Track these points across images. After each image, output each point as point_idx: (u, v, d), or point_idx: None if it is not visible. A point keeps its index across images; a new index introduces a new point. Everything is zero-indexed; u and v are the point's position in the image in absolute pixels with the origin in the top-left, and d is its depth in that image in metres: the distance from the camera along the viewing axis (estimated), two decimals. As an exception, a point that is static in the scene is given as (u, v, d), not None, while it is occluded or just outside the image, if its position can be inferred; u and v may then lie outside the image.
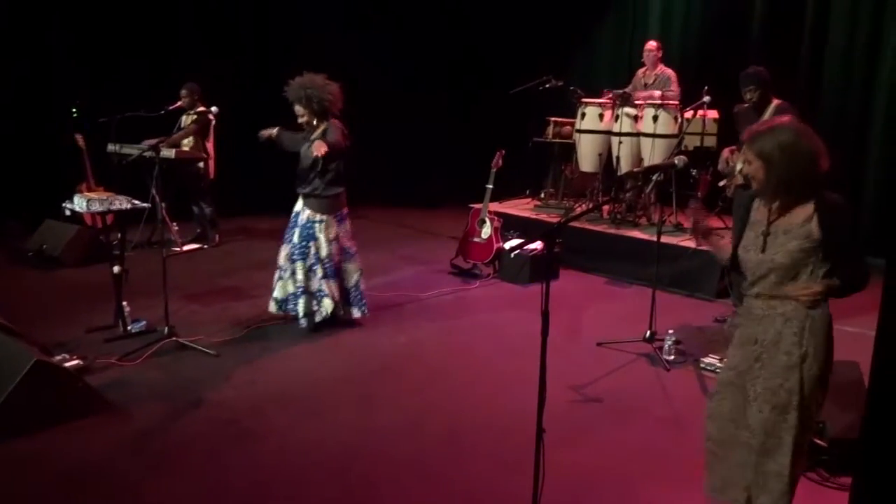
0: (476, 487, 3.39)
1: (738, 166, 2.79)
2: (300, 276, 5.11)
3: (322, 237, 5.12)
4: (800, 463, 2.72)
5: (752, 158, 2.65)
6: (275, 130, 5.27)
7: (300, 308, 5.14)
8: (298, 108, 5.09)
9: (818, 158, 2.61)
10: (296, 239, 5.13)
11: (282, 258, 5.22)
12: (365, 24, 10.06)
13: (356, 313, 5.36)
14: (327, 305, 5.17)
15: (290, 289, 5.16)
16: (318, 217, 5.12)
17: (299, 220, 5.16)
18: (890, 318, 2.13)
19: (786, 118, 2.78)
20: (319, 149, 4.84)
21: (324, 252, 5.13)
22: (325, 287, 5.15)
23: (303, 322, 5.18)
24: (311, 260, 5.12)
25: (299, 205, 5.21)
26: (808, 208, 2.62)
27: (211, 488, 3.36)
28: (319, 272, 5.13)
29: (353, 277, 5.33)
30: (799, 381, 2.62)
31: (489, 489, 3.37)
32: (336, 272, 5.20)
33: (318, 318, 5.20)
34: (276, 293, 5.22)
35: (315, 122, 5.12)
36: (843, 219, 2.62)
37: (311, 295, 5.16)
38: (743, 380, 2.75)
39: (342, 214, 5.24)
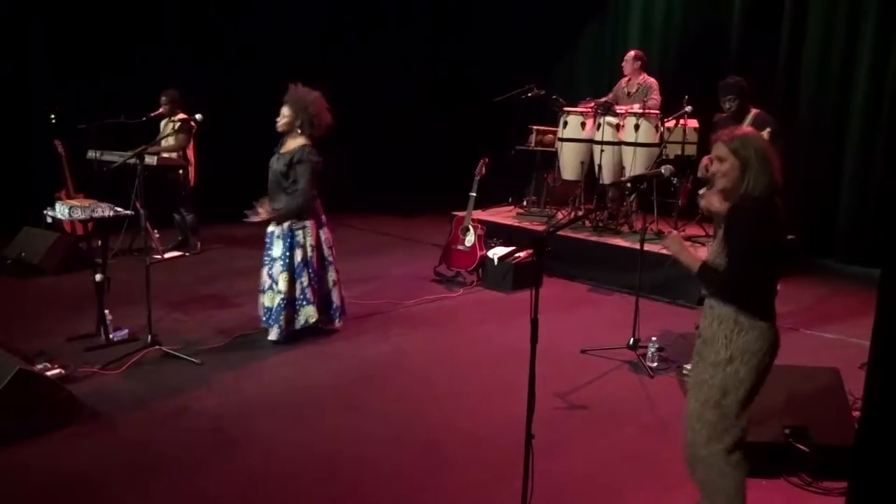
0: (463, 496, 3.40)
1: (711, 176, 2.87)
2: (283, 286, 5.04)
3: (306, 242, 5.09)
4: (727, 462, 2.79)
5: (726, 156, 2.72)
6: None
7: (281, 319, 5.06)
8: (287, 112, 5.08)
9: (778, 172, 2.72)
10: (277, 252, 5.06)
11: (264, 276, 5.16)
12: (347, 33, 10.07)
13: (337, 323, 5.35)
14: (309, 312, 5.14)
15: (277, 300, 5.08)
16: (298, 224, 5.09)
17: (278, 231, 5.08)
18: (885, 325, 2.16)
19: (765, 135, 2.90)
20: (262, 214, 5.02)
21: (309, 255, 5.11)
22: (309, 294, 5.13)
23: (274, 335, 5.10)
24: (296, 267, 5.08)
25: (273, 224, 5.12)
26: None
27: (195, 498, 3.34)
28: (305, 279, 5.11)
29: (330, 286, 5.30)
30: (721, 380, 2.74)
31: (476, 498, 3.38)
32: (318, 280, 5.19)
33: (296, 326, 5.15)
34: (265, 300, 5.16)
35: (292, 132, 5.11)
36: (738, 224, 2.69)
37: (293, 304, 5.11)
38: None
39: (322, 221, 5.23)
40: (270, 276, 5.10)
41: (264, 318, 5.16)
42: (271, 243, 5.11)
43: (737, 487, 2.83)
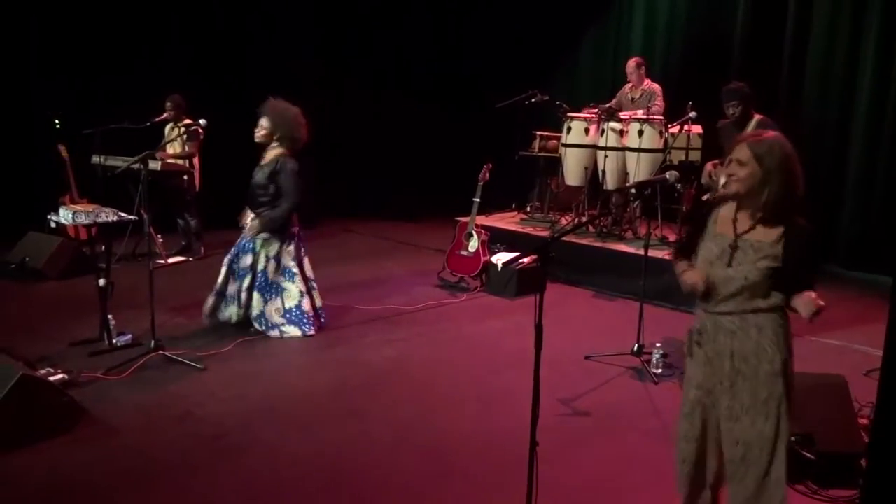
0: (466, 502, 3.39)
1: (722, 180, 2.71)
2: (220, 279, 5.30)
3: (262, 253, 5.26)
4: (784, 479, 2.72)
5: (747, 160, 2.58)
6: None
7: (304, 317, 5.30)
8: (266, 124, 5.24)
9: (801, 182, 2.62)
10: (237, 244, 5.31)
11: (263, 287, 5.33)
12: (350, 36, 10.09)
13: (295, 331, 5.35)
14: (232, 311, 5.32)
15: (295, 300, 5.33)
16: (261, 235, 5.24)
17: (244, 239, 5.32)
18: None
19: (780, 135, 2.77)
20: (250, 231, 5.22)
21: (259, 266, 5.26)
22: (243, 296, 5.27)
23: (206, 319, 5.36)
24: (242, 269, 5.26)
25: (249, 219, 5.33)
26: (778, 228, 2.61)
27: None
28: (246, 282, 5.25)
29: (295, 299, 5.34)
30: (784, 387, 2.63)
31: None
32: (266, 288, 5.29)
33: (220, 318, 5.36)
34: (253, 311, 5.33)
35: (271, 144, 5.26)
36: (807, 247, 2.62)
37: (223, 297, 5.32)
38: (712, 397, 2.73)
39: (289, 234, 5.33)
40: (270, 283, 5.28)
41: (273, 324, 5.28)
42: (241, 253, 5.31)
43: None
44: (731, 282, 2.64)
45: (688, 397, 2.84)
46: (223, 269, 5.35)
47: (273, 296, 5.31)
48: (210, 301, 5.35)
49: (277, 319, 5.32)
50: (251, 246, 5.27)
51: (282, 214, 5.22)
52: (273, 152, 5.26)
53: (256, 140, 5.29)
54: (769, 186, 2.56)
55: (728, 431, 2.70)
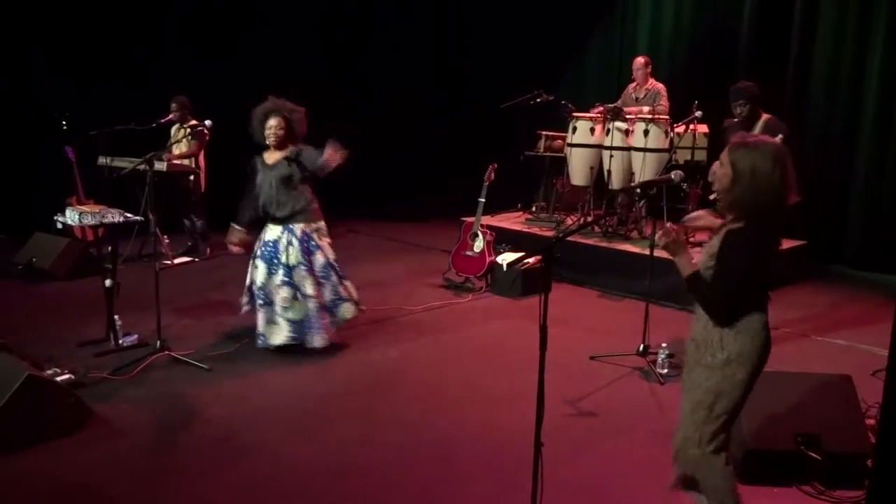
0: (471, 503, 3.38)
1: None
2: (311, 290, 4.95)
3: (324, 243, 5.10)
4: (711, 468, 2.80)
5: (725, 163, 2.71)
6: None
7: (320, 325, 5.02)
8: (277, 122, 4.98)
9: (782, 195, 2.63)
10: (293, 260, 4.94)
11: (280, 290, 4.96)
12: (356, 36, 10.10)
13: (351, 308, 5.28)
14: (347, 310, 5.16)
15: (311, 307, 5.00)
16: (312, 226, 5.06)
17: (291, 239, 4.98)
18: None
19: (778, 141, 2.83)
20: (337, 156, 4.88)
21: (331, 256, 5.11)
22: (341, 291, 5.14)
23: (318, 341, 5.00)
24: (319, 270, 5.03)
25: (276, 230, 5.01)
26: (725, 230, 2.71)
27: (205, 504, 3.34)
28: (333, 277, 5.09)
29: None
30: (717, 383, 2.72)
31: (485, 504, 3.37)
32: (343, 275, 5.17)
33: (334, 327, 5.15)
34: (292, 315, 4.97)
35: (284, 142, 5.05)
36: (733, 250, 2.65)
37: (325, 307, 5.05)
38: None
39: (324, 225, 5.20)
40: (291, 285, 4.94)
41: (298, 330, 5.03)
42: (275, 253, 4.98)
43: (733, 488, 2.83)
44: (688, 267, 2.78)
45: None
46: (307, 280, 4.97)
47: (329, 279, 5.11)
48: (317, 320, 5.04)
49: (341, 292, 5.15)
50: (310, 243, 4.99)
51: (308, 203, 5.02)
52: (278, 153, 5.09)
53: (272, 143, 5.03)
54: (735, 189, 2.66)
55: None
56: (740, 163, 2.64)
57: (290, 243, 4.98)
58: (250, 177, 5.16)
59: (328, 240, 5.16)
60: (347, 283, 5.22)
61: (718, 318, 2.71)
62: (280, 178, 5.00)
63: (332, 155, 4.87)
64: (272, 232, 5.04)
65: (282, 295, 4.94)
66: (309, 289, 4.96)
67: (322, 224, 5.14)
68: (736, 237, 2.65)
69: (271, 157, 5.10)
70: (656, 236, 2.87)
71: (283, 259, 4.96)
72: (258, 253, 5.08)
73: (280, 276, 4.94)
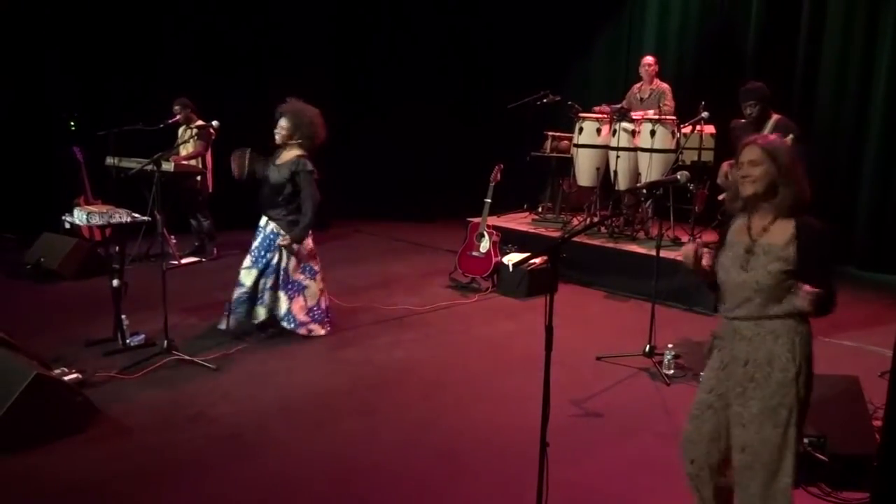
0: (478, 503, 3.38)
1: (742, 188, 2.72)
2: (248, 282, 5.21)
3: (283, 253, 5.24)
4: (796, 476, 2.70)
5: (760, 159, 2.59)
6: (247, 160, 5.37)
7: (241, 312, 5.27)
8: (285, 124, 5.22)
9: (808, 186, 2.63)
10: (255, 246, 5.27)
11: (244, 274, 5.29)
12: (362, 38, 10.12)
13: (320, 330, 5.41)
14: (260, 313, 5.28)
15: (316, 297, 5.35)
16: (282, 232, 5.23)
17: (264, 231, 5.28)
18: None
19: (788, 141, 2.82)
20: (287, 245, 5.18)
21: (282, 263, 5.25)
22: (266, 296, 5.25)
23: (223, 324, 5.30)
24: (266, 268, 5.22)
25: (264, 220, 5.32)
26: (788, 230, 2.59)
27: (211, 503, 3.34)
28: (270, 282, 5.24)
29: (315, 297, 5.37)
30: (796, 396, 2.59)
31: (491, 504, 3.37)
32: (288, 286, 5.28)
33: (254, 321, 5.32)
34: (280, 310, 5.29)
35: (290, 144, 5.23)
36: (821, 245, 2.57)
37: (253, 300, 5.26)
38: (724, 401, 2.71)
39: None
40: (292, 281, 5.24)
41: (301, 322, 5.31)
42: (265, 252, 5.27)
43: None
44: (744, 286, 2.63)
45: (699, 399, 2.83)
46: (253, 274, 5.24)
47: (296, 294, 5.29)
48: (238, 306, 5.30)
49: (303, 318, 5.32)
50: (274, 246, 5.23)
51: (310, 220, 5.20)
52: (291, 153, 5.23)
53: (277, 141, 5.25)
54: (785, 184, 2.58)
55: (736, 438, 2.68)
56: (782, 157, 2.59)
57: (261, 233, 5.31)
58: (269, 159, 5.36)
59: (294, 255, 5.27)
60: (279, 294, 5.29)
61: (829, 311, 2.58)
62: (276, 182, 5.21)
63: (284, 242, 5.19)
64: (262, 219, 5.35)
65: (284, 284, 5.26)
66: (248, 280, 5.26)
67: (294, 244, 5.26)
68: (812, 226, 2.57)
69: (282, 157, 5.28)
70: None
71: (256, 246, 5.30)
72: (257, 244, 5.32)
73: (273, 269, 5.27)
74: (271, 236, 5.25)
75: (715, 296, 2.85)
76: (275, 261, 5.24)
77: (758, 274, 2.58)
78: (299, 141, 5.24)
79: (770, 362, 2.59)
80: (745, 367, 2.64)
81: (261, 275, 5.23)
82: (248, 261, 5.28)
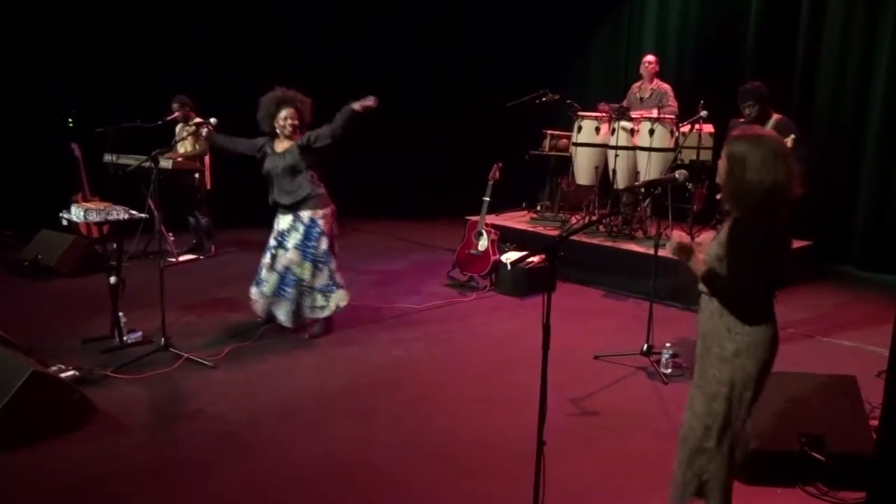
0: (474, 502, 3.38)
1: None
2: (307, 275, 5.14)
3: (327, 229, 5.18)
4: (720, 459, 2.78)
5: (722, 156, 2.74)
6: (205, 131, 5.38)
7: (306, 308, 5.22)
8: (290, 112, 5.13)
9: (775, 187, 2.59)
10: (294, 243, 5.12)
11: (281, 266, 5.17)
12: (360, 37, 10.10)
13: (343, 296, 5.37)
14: (341, 297, 5.24)
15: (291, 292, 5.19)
16: (319, 212, 5.15)
17: (298, 225, 5.13)
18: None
19: (776, 135, 2.82)
20: (369, 101, 5.03)
21: (332, 244, 5.21)
22: (337, 278, 5.23)
23: (282, 314, 5.21)
24: (320, 256, 5.16)
25: (287, 219, 5.17)
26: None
27: (208, 502, 3.34)
28: (332, 263, 5.20)
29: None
30: (729, 374, 2.69)
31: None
32: (318, 259, 5.23)
33: (326, 313, 5.26)
34: (288, 304, 5.20)
35: (287, 134, 5.17)
36: (744, 238, 2.61)
37: (314, 290, 5.19)
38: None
39: (333, 210, 5.28)
40: (292, 263, 5.15)
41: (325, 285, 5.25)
42: (283, 237, 5.17)
43: (729, 485, 2.83)
44: (704, 264, 2.75)
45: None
46: (307, 268, 5.15)
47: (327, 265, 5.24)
48: (260, 302, 5.28)
49: (336, 279, 5.26)
50: (315, 230, 5.12)
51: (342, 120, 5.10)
52: (288, 141, 5.18)
53: (288, 134, 5.15)
54: (728, 178, 2.68)
55: (688, 404, 2.88)
56: (734, 153, 2.66)
57: (295, 229, 5.15)
58: (254, 142, 5.29)
59: (331, 225, 5.22)
60: (339, 275, 5.29)
61: (740, 311, 2.65)
62: (287, 166, 5.12)
63: (363, 104, 5.03)
64: (283, 221, 5.21)
65: (288, 257, 5.15)
66: (305, 274, 5.14)
67: (328, 210, 5.21)
68: (742, 225, 2.63)
69: (280, 145, 5.21)
70: (667, 246, 2.84)
71: (285, 240, 5.18)
72: (272, 244, 5.23)
73: (287, 252, 5.16)
74: (311, 225, 5.12)
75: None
76: (323, 246, 5.15)
77: (709, 254, 2.74)
78: (303, 127, 5.22)
79: (712, 335, 2.74)
80: (701, 339, 2.82)
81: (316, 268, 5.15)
82: (295, 255, 5.12)
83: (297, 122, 5.15)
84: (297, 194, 5.12)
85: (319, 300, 5.22)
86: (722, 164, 2.72)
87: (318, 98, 5.41)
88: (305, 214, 5.14)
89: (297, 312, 5.23)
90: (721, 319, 2.71)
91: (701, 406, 2.78)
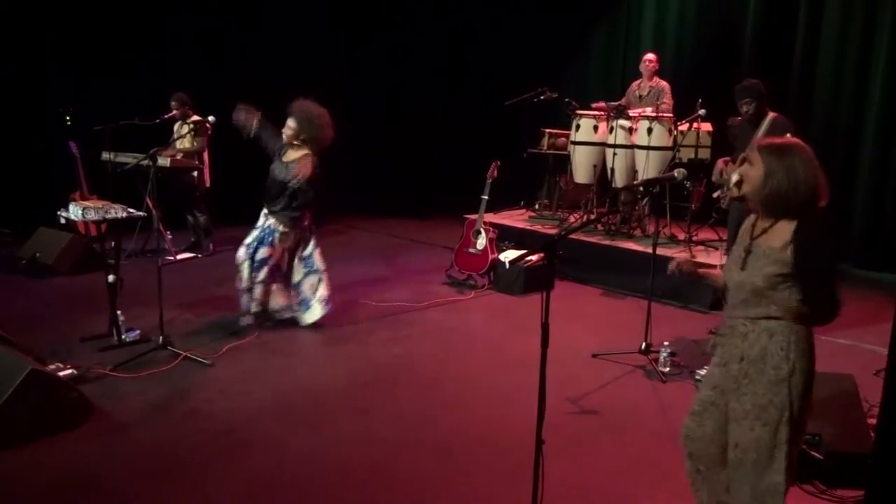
0: (473, 500, 3.38)
1: (734, 178, 2.70)
2: (245, 273, 5.26)
3: (278, 245, 5.26)
4: (791, 476, 2.67)
5: (757, 162, 2.59)
6: (256, 120, 5.37)
7: (242, 304, 5.35)
8: (293, 124, 5.23)
9: (816, 192, 2.57)
10: (251, 240, 5.28)
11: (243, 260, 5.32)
12: (358, 35, 10.10)
13: (319, 311, 5.44)
14: (246, 306, 5.34)
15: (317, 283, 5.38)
16: (280, 227, 5.25)
17: (262, 225, 5.31)
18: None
19: (800, 141, 2.73)
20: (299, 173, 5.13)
21: (277, 258, 5.29)
22: (257, 290, 5.29)
23: (243, 320, 5.36)
24: (258, 262, 5.24)
25: (263, 218, 5.34)
26: (788, 232, 2.55)
27: (205, 500, 3.34)
28: (262, 275, 5.27)
29: (317, 287, 5.42)
30: (788, 395, 2.56)
31: (486, 502, 3.36)
32: (280, 277, 5.35)
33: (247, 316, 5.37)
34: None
35: (296, 144, 5.25)
36: (818, 247, 2.51)
37: (250, 293, 5.31)
38: (725, 398, 2.71)
39: (305, 227, 5.36)
40: (246, 258, 5.27)
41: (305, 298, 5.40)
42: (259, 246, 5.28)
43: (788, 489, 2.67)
44: (741, 286, 2.62)
45: (699, 396, 2.84)
46: (247, 266, 5.29)
47: (310, 273, 5.38)
48: (244, 300, 5.36)
49: (309, 295, 5.37)
50: (269, 240, 5.26)
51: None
52: (298, 152, 5.25)
53: (284, 140, 5.28)
54: (769, 186, 2.55)
55: (731, 433, 2.69)
56: (773, 160, 2.56)
57: (259, 227, 5.34)
58: (277, 144, 5.37)
59: (290, 243, 5.29)
60: (275, 288, 5.37)
61: (832, 316, 2.52)
62: (282, 178, 5.22)
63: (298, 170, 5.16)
64: (263, 218, 5.36)
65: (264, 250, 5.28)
66: (245, 271, 5.29)
67: (292, 233, 5.27)
68: (812, 224, 2.51)
69: (289, 154, 5.31)
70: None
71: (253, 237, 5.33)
72: (253, 234, 5.34)
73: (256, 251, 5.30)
74: (269, 231, 5.27)
75: (722, 293, 2.84)
76: (267, 256, 5.25)
77: (753, 275, 2.58)
78: (305, 141, 5.25)
79: (763, 359, 2.58)
80: (740, 363, 2.64)
81: (252, 267, 5.27)
82: (249, 253, 5.29)
83: (292, 133, 5.24)
84: (275, 205, 5.28)
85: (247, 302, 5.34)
86: (756, 171, 2.58)
87: (319, 98, 5.41)
88: (272, 219, 5.29)
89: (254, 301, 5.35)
90: (771, 340, 2.56)
91: (756, 439, 2.59)
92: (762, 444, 2.59)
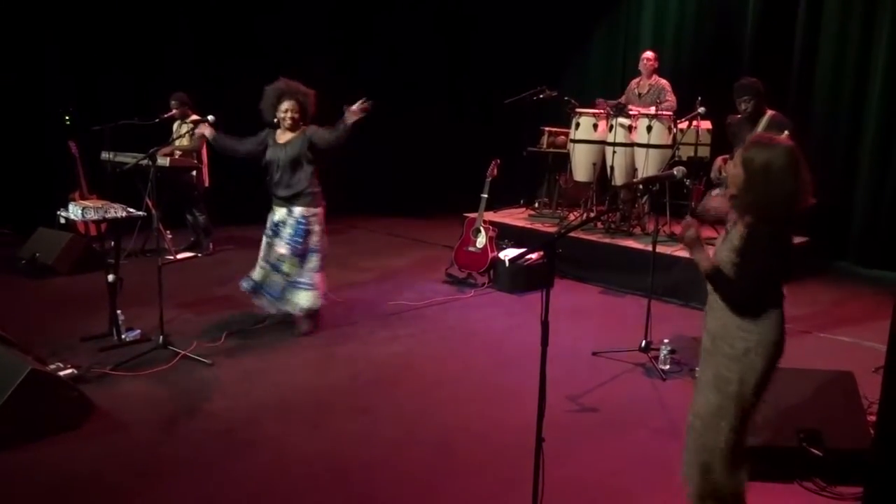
0: (473, 499, 3.39)
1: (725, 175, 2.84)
2: (293, 270, 5.19)
3: (317, 229, 5.21)
4: (738, 457, 2.78)
5: (738, 163, 2.70)
6: (208, 131, 5.32)
7: (295, 301, 5.23)
8: (291, 105, 5.14)
9: (796, 196, 2.62)
10: (287, 234, 5.17)
11: (273, 255, 5.22)
12: (357, 33, 10.09)
13: (317, 297, 5.37)
14: (305, 298, 5.23)
15: (278, 282, 5.23)
16: (311, 210, 5.19)
17: (289, 220, 5.18)
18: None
19: (789, 141, 2.77)
20: (360, 111, 5.07)
21: (319, 244, 5.24)
22: (312, 278, 5.23)
23: (268, 305, 5.27)
24: (303, 253, 5.19)
25: (281, 212, 5.22)
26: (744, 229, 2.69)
27: (206, 500, 3.34)
28: (312, 262, 5.22)
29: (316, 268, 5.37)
30: (740, 371, 2.69)
31: (487, 501, 3.37)
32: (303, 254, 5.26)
33: (297, 311, 5.25)
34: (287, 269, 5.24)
35: (289, 125, 5.19)
36: (758, 249, 2.63)
37: (293, 287, 5.22)
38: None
39: (324, 210, 5.32)
40: (281, 255, 5.19)
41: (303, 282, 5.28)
42: (277, 230, 5.21)
43: (743, 487, 2.83)
44: (706, 262, 2.77)
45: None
46: (291, 261, 5.20)
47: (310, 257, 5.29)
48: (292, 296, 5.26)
49: (307, 279, 5.27)
50: (306, 227, 5.16)
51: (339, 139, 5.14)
52: (290, 133, 5.19)
53: (288, 126, 5.17)
54: (749, 189, 2.65)
55: (693, 403, 2.88)
56: (754, 162, 2.62)
57: (286, 223, 5.19)
58: (258, 137, 5.30)
59: (321, 227, 5.25)
60: (317, 276, 5.29)
61: (740, 312, 2.69)
62: (290, 158, 5.14)
63: (352, 111, 5.05)
64: (278, 213, 5.25)
65: (279, 251, 5.20)
66: (292, 269, 5.19)
67: (319, 210, 5.24)
68: (756, 235, 2.63)
69: (283, 136, 5.23)
70: (683, 225, 2.87)
71: (280, 231, 5.23)
72: (268, 233, 5.28)
73: (279, 242, 5.22)
74: (303, 221, 5.17)
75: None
76: (312, 244, 5.20)
77: (721, 257, 2.74)
78: (305, 119, 5.22)
79: (723, 335, 2.74)
80: (709, 338, 2.82)
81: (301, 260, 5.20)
82: (286, 249, 5.17)
83: (297, 116, 5.17)
84: (294, 188, 5.16)
85: (296, 296, 5.24)
86: (738, 171, 2.68)
87: (319, 97, 5.41)
88: (297, 210, 5.17)
89: (279, 300, 5.25)
90: (733, 318, 2.71)
91: (713, 408, 2.76)
92: (711, 410, 2.76)
